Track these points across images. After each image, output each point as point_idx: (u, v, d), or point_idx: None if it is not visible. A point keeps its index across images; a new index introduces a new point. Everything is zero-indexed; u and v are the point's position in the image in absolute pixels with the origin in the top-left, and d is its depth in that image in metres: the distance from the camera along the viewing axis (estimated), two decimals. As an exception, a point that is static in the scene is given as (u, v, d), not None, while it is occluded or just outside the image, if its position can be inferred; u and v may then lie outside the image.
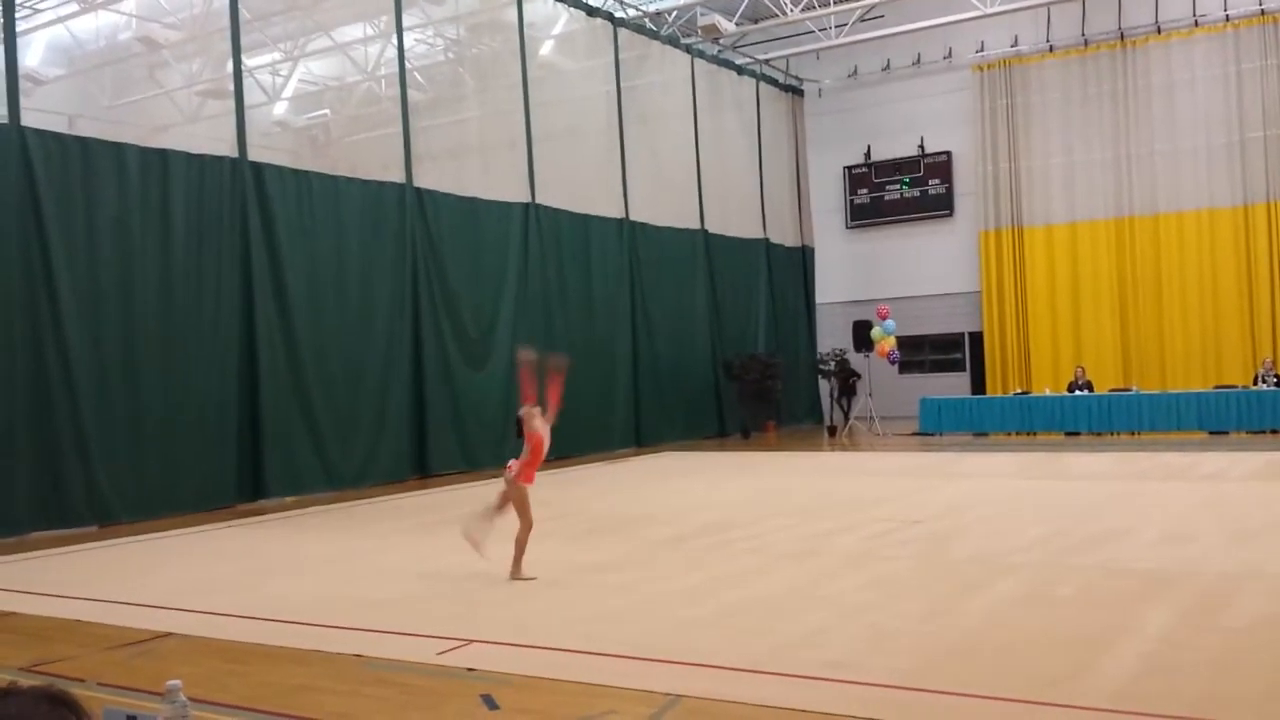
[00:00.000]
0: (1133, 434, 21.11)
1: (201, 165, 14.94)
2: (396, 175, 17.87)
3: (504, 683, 5.96)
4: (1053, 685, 5.52)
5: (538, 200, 20.38)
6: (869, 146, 28.98)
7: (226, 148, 15.46)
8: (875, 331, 24.24)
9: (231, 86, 15.98)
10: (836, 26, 25.93)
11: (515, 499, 9.12)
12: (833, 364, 26.44)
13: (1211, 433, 20.40)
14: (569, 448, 17.83)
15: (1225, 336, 24.46)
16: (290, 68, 22.82)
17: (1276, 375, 20.97)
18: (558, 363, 9.33)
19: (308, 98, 24.02)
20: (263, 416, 15.31)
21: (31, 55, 20.05)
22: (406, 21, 18.97)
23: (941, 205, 28.15)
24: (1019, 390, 24.55)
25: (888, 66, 28.31)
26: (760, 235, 27.40)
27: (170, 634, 7.48)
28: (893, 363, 25.07)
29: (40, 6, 19.73)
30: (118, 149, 14.05)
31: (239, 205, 15.31)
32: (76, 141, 13.77)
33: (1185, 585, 7.83)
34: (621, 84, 22.72)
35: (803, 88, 29.72)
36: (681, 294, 24.28)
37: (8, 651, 7.20)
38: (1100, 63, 25.79)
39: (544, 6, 21.43)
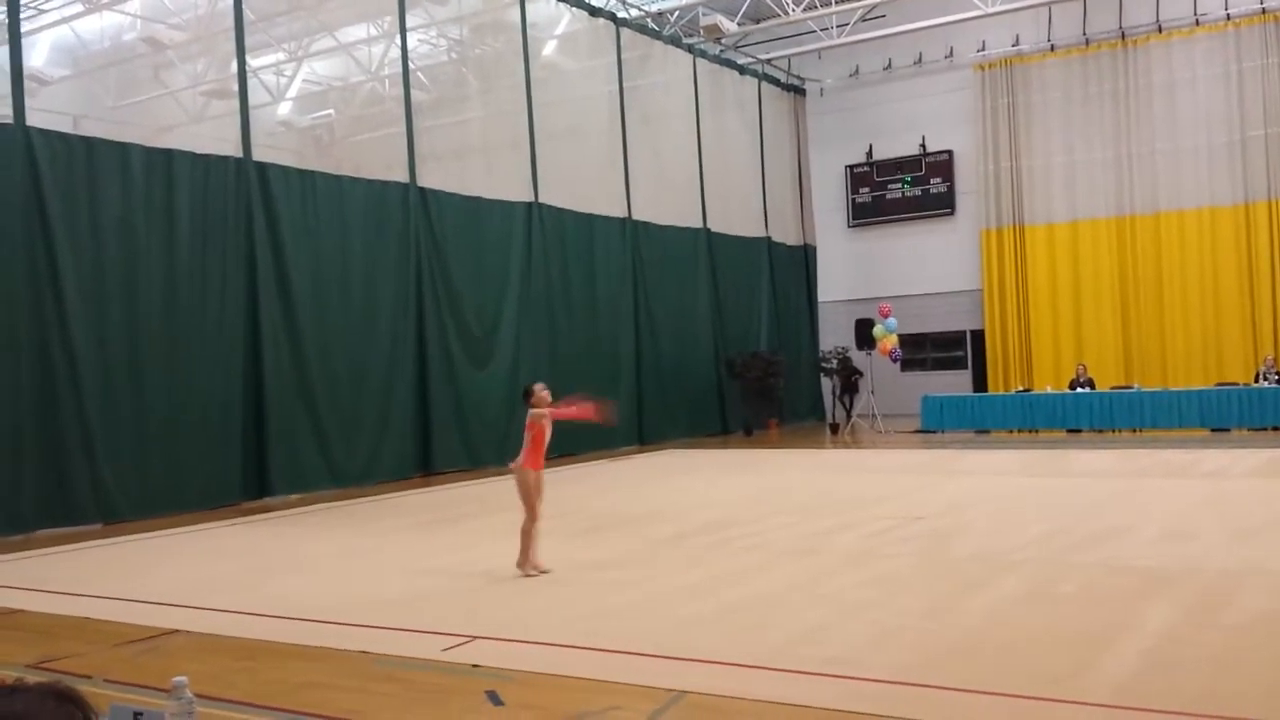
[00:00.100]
0: (1134, 431, 21.12)
1: (206, 165, 14.98)
2: (400, 175, 17.90)
3: (508, 679, 6.01)
4: (1054, 682, 5.56)
5: (541, 200, 20.42)
6: (871, 145, 28.99)
7: (231, 148, 15.51)
8: (877, 330, 24.26)
9: (236, 87, 16.02)
10: (838, 26, 25.94)
11: (520, 487, 9.15)
12: (835, 362, 26.46)
13: (1213, 430, 20.42)
14: (571, 445, 17.86)
15: (1226, 334, 24.46)
16: (294, 68, 22.85)
17: (1278, 372, 20.97)
18: (606, 413, 9.33)
19: (312, 98, 24.05)
20: (267, 415, 15.36)
21: (36, 55, 20.07)
22: (410, 22, 19.01)
23: (943, 204, 28.15)
24: (1020, 388, 24.57)
25: (889, 66, 28.31)
26: (762, 234, 27.43)
27: (177, 631, 7.53)
28: (894, 361, 25.09)
29: (45, 7, 19.75)
30: (122, 149, 14.10)
31: (243, 205, 15.36)
32: (81, 141, 13.83)
33: (1186, 582, 7.86)
34: (624, 84, 22.74)
35: (804, 87, 29.74)
36: (684, 293, 24.32)
37: (15, 649, 7.25)
38: (1101, 62, 25.80)
39: (547, 7, 21.46)
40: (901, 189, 28.60)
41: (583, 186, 21.47)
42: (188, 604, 8.40)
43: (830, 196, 29.69)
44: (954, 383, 27.06)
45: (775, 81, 28.69)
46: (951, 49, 27.38)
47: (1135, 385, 22.93)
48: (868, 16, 25.66)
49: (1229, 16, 24.40)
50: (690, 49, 25.13)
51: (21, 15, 13.95)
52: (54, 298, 13.09)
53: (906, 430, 23.51)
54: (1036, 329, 26.69)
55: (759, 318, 26.93)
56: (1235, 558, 8.79)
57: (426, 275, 18.07)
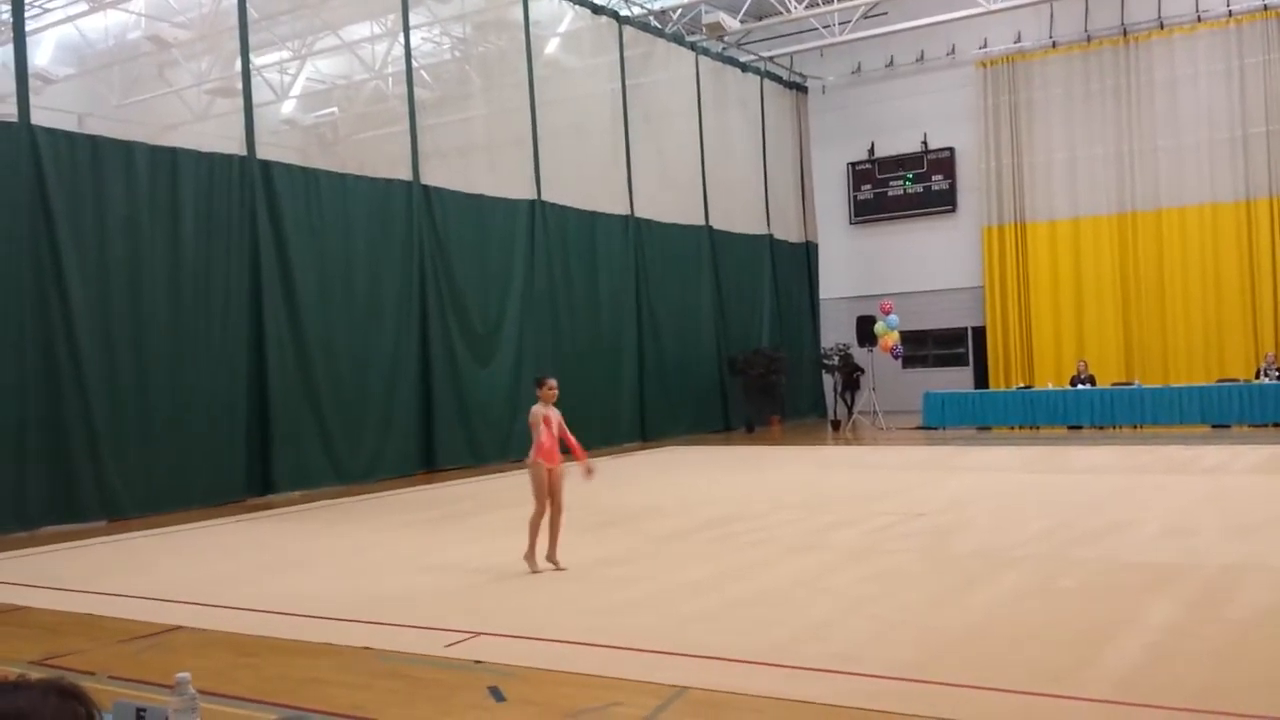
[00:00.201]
0: (1135, 428, 21.15)
1: (210, 163, 15.02)
2: (404, 173, 17.94)
3: (511, 675, 6.04)
4: (1056, 677, 5.59)
5: (544, 197, 20.45)
6: (872, 143, 28.99)
7: (235, 146, 15.54)
8: (879, 326, 24.29)
9: (240, 85, 16.06)
10: (840, 24, 25.94)
11: (532, 480, 9.19)
12: (836, 359, 26.47)
13: (1214, 426, 20.45)
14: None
15: (1227, 330, 24.46)
16: (298, 66, 22.89)
17: (1278, 369, 20.99)
18: (587, 469, 9.41)
19: (315, 96, 24.10)
20: (271, 412, 15.40)
21: (41, 54, 20.13)
22: (413, 20, 19.03)
23: (945, 201, 28.15)
24: (1022, 384, 24.61)
25: (891, 63, 28.31)
26: (764, 231, 27.46)
27: (180, 627, 7.56)
28: (896, 357, 25.11)
29: (50, 6, 19.79)
30: (127, 147, 14.13)
31: (248, 203, 15.39)
32: (86, 140, 13.86)
33: (1188, 578, 7.89)
34: (626, 81, 22.76)
35: (806, 84, 29.75)
36: (686, 290, 24.35)
37: (20, 645, 7.28)
38: (1103, 58, 25.79)
39: (549, 5, 21.48)
40: (903, 186, 28.61)
41: (585, 184, 21.50)
42: (191, 600, 8.44)
43: (832, 194, 29.69)
44: (955, 379, 27.06)
45: (777, 79, 28.71)
46: (953, 46, 27.38)
47: (1136, 382, 22.94)
48: (870, 14, 25.66)
49: (1231, 13, 24.39)
50: (693, 47, 25.16)
51: (26, 14, 13.97)
52: (59, 296, 13.13)
53: (908, 427, 23.53)
54: (1038, 325, 26.69)
55: (761, 315, 26.96)
56: (1236, 553, 8.80)
57: (430, 273, 18.11)
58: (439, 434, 17.98)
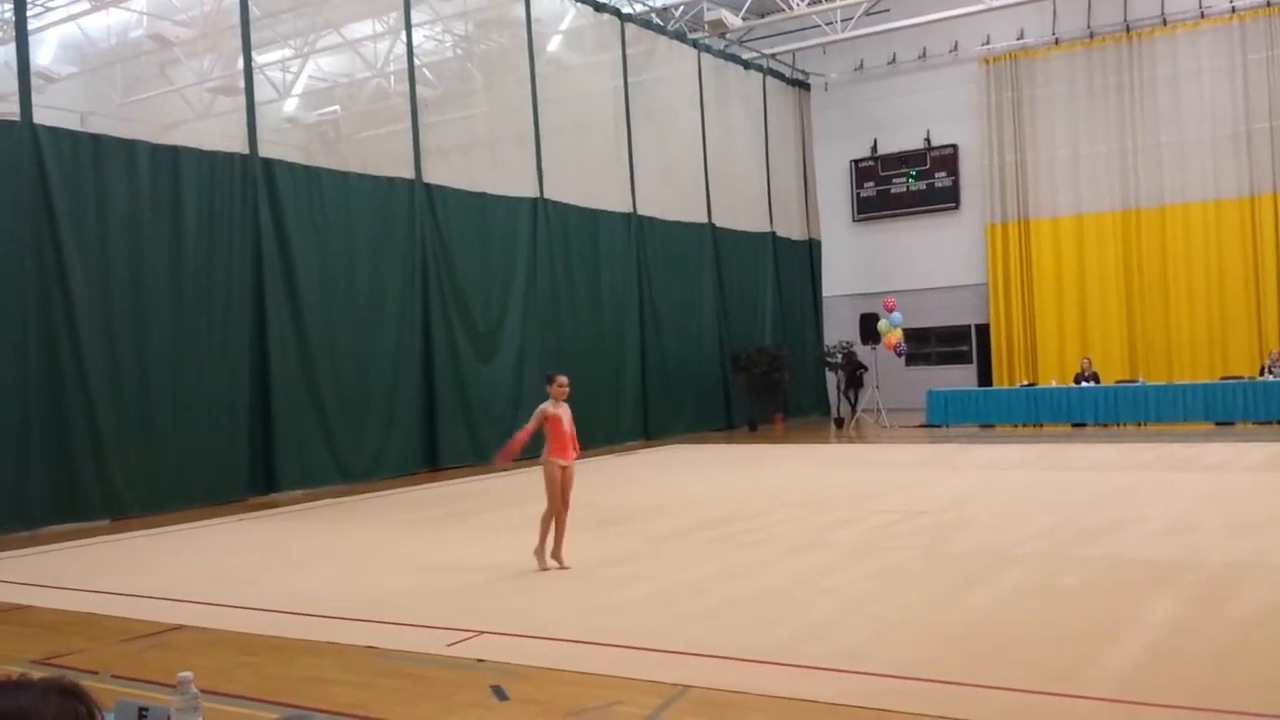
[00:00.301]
0: (1139, 425, 21.14)
1: (213, 162, 15.02)
2: (406, 171, 17.93)
3: (513, 673, 6.04)
4: (1058, 675, 5.58)
5: (546, 195, 20.44)
6: (875, 140, 28.98)
7: (237, 144, 15.54)
8: (882, 324, 24.28)
9: (242, 83, 16.06)
10: (842, 20, 25.90)
11: (545, 478, 9.20)
12: (839, 356, 26.47)
13: (1218, 424, 20.44)
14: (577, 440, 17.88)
15: (1232, 327, 24.44)
16: (300, 64, 22.91)
17: (1283, 366, 20.98)
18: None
19: (318, 94, 24.11)
20: (274, 411, 15.41)
21: (43, 53, 20.15)
22: (415, 18, 19.02)
23: (948, 198, 28.14)
24: (1025, 382, 24.61)
25: (894, 60, 28.30)
26: (767, 229, 27.45)
27: (183, 626, 7.57)
28: (899, 355, 25.09)
29: (52, 4, 19.81)
30: (129, 146, 14.12)
31: (250, 201, 15.39)
32: (88, 138, 13.87)
33: (1190, 576, 7.88)
34: (629, 79, 22.76)
35: (809, 82, 29.74)
36: (689, 287, 24.35)
37: (22, 644, 7.30)
38: (1106, 55, 25.77)
39: (551, 2, 21.49)
40: (906, 183, 28.61)
41: (588, 182, 21.50)
42: (194, 599, 8.45)
43: (835, 191, 29.69)
44: (958, 377, 27.08)
45: (780, 76, 28.69)
46: (956, 43, 27.38)
47: (1140, 379, 22.93)
48: (872, 11, 25.63)
49: (1234, 9, 24.37)
50: (695, 44, 25.15)
51: (28, 12, 13.98)
52: (61, 294, 13.13)
53: (911, 425, 23.52)
54: (1041, 323, 26.68)
55: (764, 312, 26.95)
56: (1239, 551, 8.79)
57: (432, 271, 18.11)
58: (441, 432, 17.99)
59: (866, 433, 23.48)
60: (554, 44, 22.49)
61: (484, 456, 18.39)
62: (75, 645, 7.19)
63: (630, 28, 22.97)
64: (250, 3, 15.98)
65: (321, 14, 20.78)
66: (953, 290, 27.93)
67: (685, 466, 18.07)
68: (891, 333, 24.15)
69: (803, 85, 29.65)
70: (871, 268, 28.83)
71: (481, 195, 19.20)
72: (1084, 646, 6.11)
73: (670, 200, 23.79)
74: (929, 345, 28.38)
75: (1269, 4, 23.91)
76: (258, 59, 18.11)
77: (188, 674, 3.42)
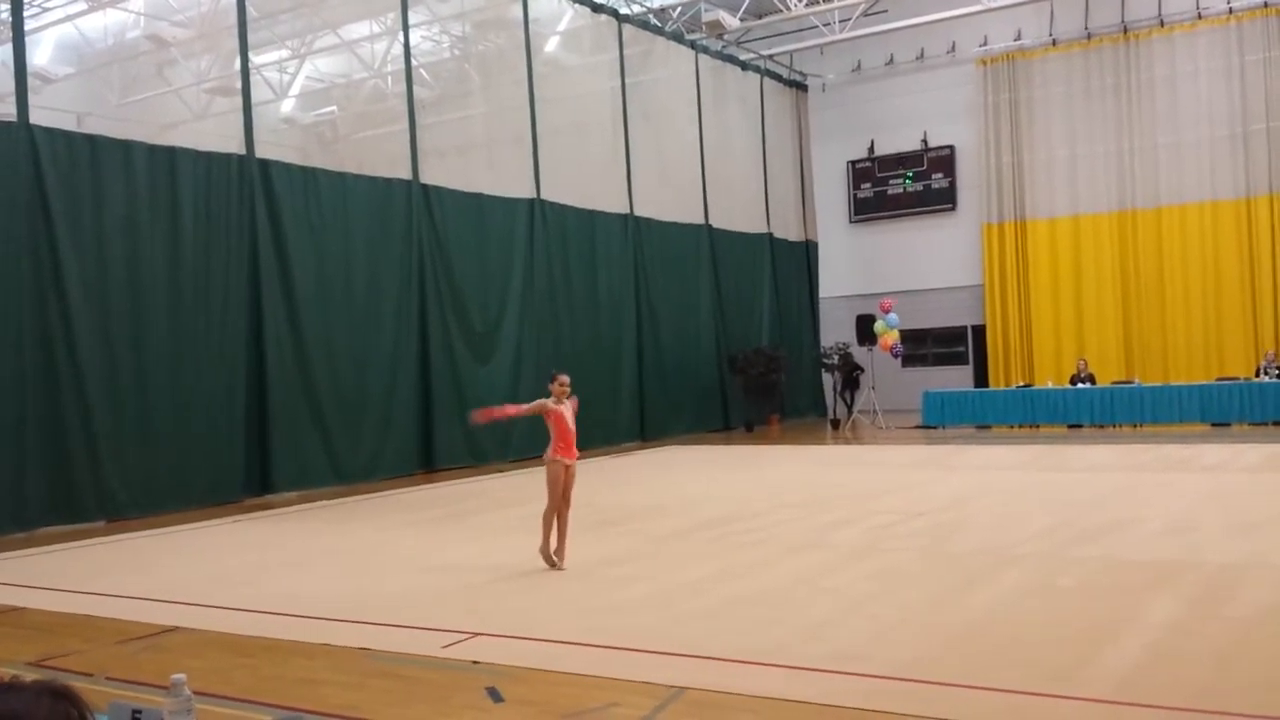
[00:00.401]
0: (1135, 426, 21.15)
1: (209, 162, 15.00)
2: (403, 172, 17.92)
3: (508, 675, 6.03)
4: (1056, 676, 5.58)
5: (543, 196, 20.44)
6: (872, 141, 28.99)
7: (234, 145, 15.53)
8: (878, 325, 24.28)
9: (239, 84, 16.04)
10: (840, 21, 25.91)
11: (548, 475, 9.18)
12: (836, 358, 26.47)
13: (1214, 425, 20.45)
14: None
15: (1227, 329, 24.46)
16: (297, 65, 22.89)
17: (1278, 367, 20.98)
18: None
19: (315, 95, 24.09)
20: (270, 412, 15.39)
21: (40, 53, 20.11)
22: (412, 19, 19.01)
23: (945, 199, 28.15)
24: (1021, 383, 24.61)
25: (891, 61, 28.31)
26: (764, 230, 27.45)
27: (177, 628, 7.55)
28: (896, 356, 25.09)
29: (49, 5, 19.77)
30: (126, 147, 14.10)
31: (247, 202, 15.38)
32: (85, 139, 13.84)
33: (1188, 576, 7.88)
34: (626, 80, 22.76)
35: (806, 83, 29.74)
36: (686, 288, 24.35)
37: (17, 646, 7.28)
38: (1103, 56, 25.79)
39: (549, 3, 21.47)
40: (903, 184, 28.60)
41: (585, 183, 21.49)
42: (189, 601, 8.43)
43: (832, 192, 29.69)
44: (955, 378, 27.08)
45: (777, 77, 28.70)
46: (953, 44, 27.38)
47: (1136, 380, 22.94)
48: (869, 12, 25.63)
49: (1231, 10, 24.39)
50: (692, 45, 25.15)
51: (25, 13, 13.94)
52: (57, 296, 13.11)
53: (908, 426, 23.53)
54: (1038, 324, 26.69)
55: (760, 314, 26.96)
56: (1237, 551, 8.80)
57: (429, 272, 18.09)
58: (438, 433, 17.97)
59: (863, 434, 23.48)
60: (551, 45, 22.48)
61: (480, 458, 18.43)
62: (70, 647, 7.18)
63: (628, 28, 22.98)
64: (247, 3, 15.96)
65: (319, 15, 20.76)
66: (949, 291, 27.93)
67: (683, 467, 18.07)
68: (888, 334, 24.15)
69: (800, 86, 29.65)
70: (868, 269, 28.83)
71: (478, 196, 19.19)
72: (1083, 647, 6.10)
73: (667, 201, 23.79)
74: (925, 346, 28.38)
75: (1266, 5, 23.93)
76: (255, 60, 18.08)
77: (181, 676, 3.41)
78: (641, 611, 7.55)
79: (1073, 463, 16.03)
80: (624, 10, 23.29)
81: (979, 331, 27.78)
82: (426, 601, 8.18)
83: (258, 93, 17.66)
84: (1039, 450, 18.10)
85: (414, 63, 18.91)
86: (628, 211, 22.68)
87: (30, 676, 2.08)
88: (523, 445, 18.60)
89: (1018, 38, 26.78)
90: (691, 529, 11.17)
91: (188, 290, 14.55)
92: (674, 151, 24.24)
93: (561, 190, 20.81)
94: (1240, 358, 23.78)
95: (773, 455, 19.50)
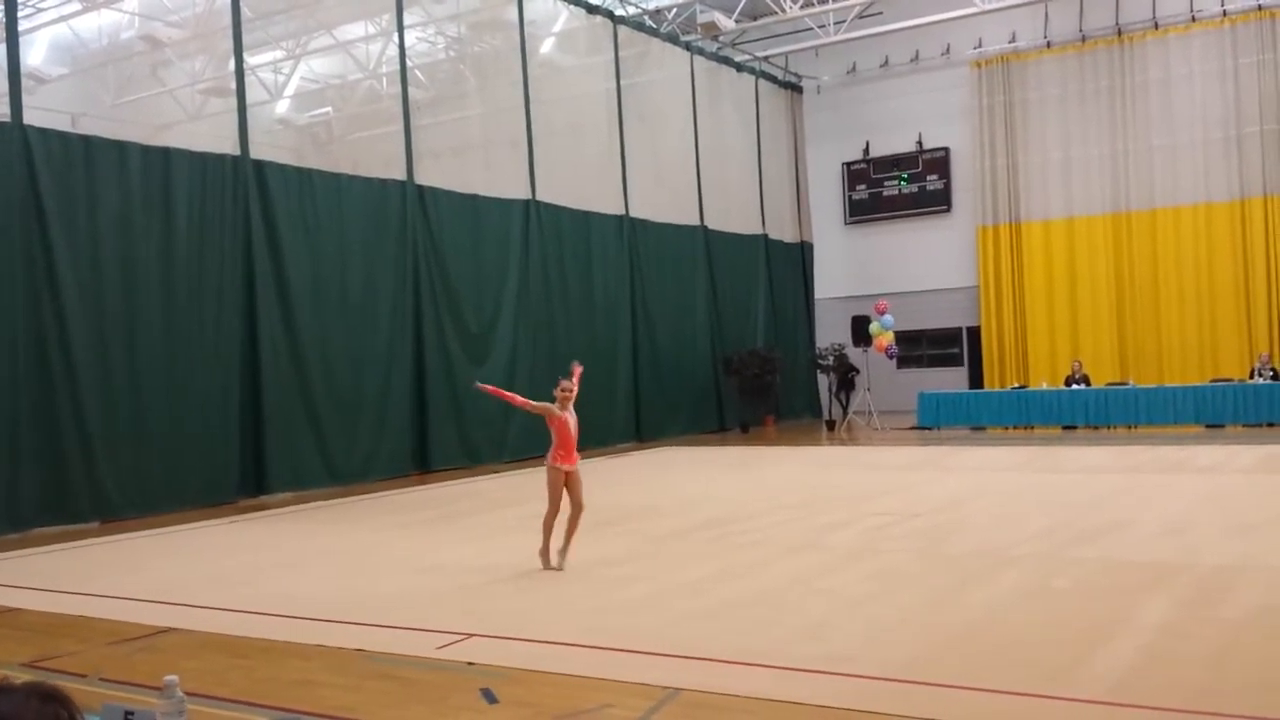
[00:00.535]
0: (1129, 427, 21.17)
1: (204, 163, 14.98)
2: (398, 173, 17.91)
3: (503, 676, 6.02)
4: (1052, 677, 5.58)
5: (538, 197, 20.43)
6: (867, 142, 29.02)
7: (229, 146, 15.50)
8: (874, 326, 24.30)
9: (234, 85, 16.02)
10: (835, 23, 25.94)
11: (548, 481, 9.17)
12: (831, 359, 26.49)
13: (1208, 426, 20.47)
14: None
15: (1222, 330, 24.50)
16: (292, 66, 22.86)
17: (1273, 369, 21.02)
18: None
19: (310, 96, 24.06)
20: (265, 413, 15.37)
21: (34, 54, 20.04)
22: (407, 20, 19.01)
23: (939, 201, 28.19)
24: (1016, 384, 24.62)
25: (886, 63, 28.33)
26: (759, 231, 27.46)
27: (172, 629, 7.54)
28: (891, 357, 25.13)
29: (43, 5, 19.72)
30: (120, 147, 14.08)
31: (241, 203, 15.35)
32: (79, 140, 13.81)
33: (1184, 577, 7.88)
34: (621, 81, 22.77)
35: (801, 84, 29.76)
36: (681, 290, 24.35)
37: (11, 647, 7.25)
38: (1098, 58, 25.82)
39: (544, 4, 21.45)
40: (898, 186, 28.64)
41: (580, 184, 21.49)
42: (183, 602, 8.41)
43: (827, 193, 29.72)
44: (950, 379, 27.11)
45: (772, 79, 28.71)
46: (948, 46, 27.41)
47: (1130, 381, 22.97)
48: (864, 14, 25.68)
49: (1225, 13, 24.44)
50: (688, 46, 25.15)
51: (19, 13, 13.93)
52: (51, 296, 13.09)
53: (903, 427, 23.54)
54: (1032, 325, 26.73)
55: (756, 315, 26.96)
56: (1231, 553, 8.80)
57: (424, 273, 18.08)
58: (433, 434, 17.95)
59: (858, 435, 23.48)
60: (547, 46, 22.46)
61: (475, 459, 18.42)
62: (64, 648, 7.16)
63: (623, 30, 22.98)
64: (242, 4, 15.94)
65: (314, 15, 20.74)
66: (944, 293, 27.96)
67: (679, 468, 18.07)
68: (883, 335, 24.17)
69: (795, 88, 29.67)
70: (863, 270, 28.86)
71: (474, 197, 19.18)
72: (1079, 648, 6.10)
73: (663, 202, 23.79)
74: (920, 348, 28.41)
75: (1260, 8, 23.99)
76: (249, 60, 18.07)
77: (173, 678, 3.41)
78: (637, 612, 7.54)
79: (1068, 464, 16.05)
80: (619, 12, 23.28)
81: (974, 333, 27.81)
82: (422, 602, 8.17)
83: (252, 93, 17.64)
84: (1034, 452, 18.12)
85: (409, 64, 18.90)
86: (623, 213, 22.68)
87: (24, 678, 2.08)
88: (518, 446, 18.60)
89: (1012, 40, 26.82)
90: (687, 530, 11.16)
91: (182, 291, 14.52)
92: (669, 153, 24.24)
93: (557, 191, 20.80)
94: (1234, 359, 23.83)
95: (768, 456, 19.50)
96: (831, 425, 25.72)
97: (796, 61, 29.11)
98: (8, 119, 12.90)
